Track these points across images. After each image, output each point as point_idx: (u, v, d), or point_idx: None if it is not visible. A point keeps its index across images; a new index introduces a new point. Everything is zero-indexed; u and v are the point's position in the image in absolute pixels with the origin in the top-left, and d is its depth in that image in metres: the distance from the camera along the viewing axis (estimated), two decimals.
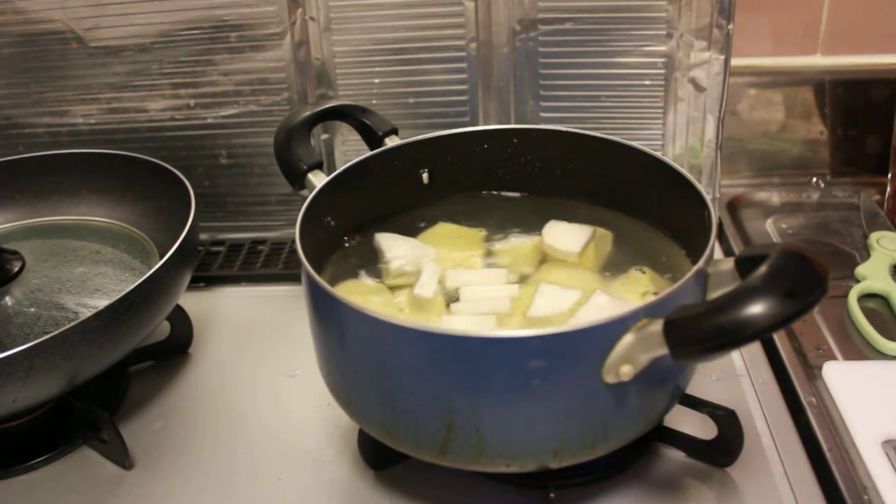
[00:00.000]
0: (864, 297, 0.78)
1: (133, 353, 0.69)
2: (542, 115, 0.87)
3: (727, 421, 0.59)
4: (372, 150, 0.72)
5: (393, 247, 0.67)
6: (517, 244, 0.69)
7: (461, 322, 0.60)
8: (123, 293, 0.62)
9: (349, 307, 0.51)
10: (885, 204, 0.92)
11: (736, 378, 0.71)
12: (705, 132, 0.85)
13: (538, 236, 0.69)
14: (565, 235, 0.68)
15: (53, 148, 0.91)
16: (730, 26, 0.79)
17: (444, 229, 0.71)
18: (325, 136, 0.91)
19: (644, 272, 0.65)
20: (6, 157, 0.87)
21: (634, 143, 0.68)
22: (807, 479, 0.60)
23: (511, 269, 0.66)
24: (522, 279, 0.65)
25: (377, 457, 0.63)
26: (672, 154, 0.86)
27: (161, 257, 0.67)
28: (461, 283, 0.64)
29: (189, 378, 0.76)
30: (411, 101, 0.87)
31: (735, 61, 0.83)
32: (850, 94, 0.96)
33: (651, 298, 0.50)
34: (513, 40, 0.84)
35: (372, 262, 0.68)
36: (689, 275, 0.51)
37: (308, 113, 0.71)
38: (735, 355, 0.73)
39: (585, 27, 0.82)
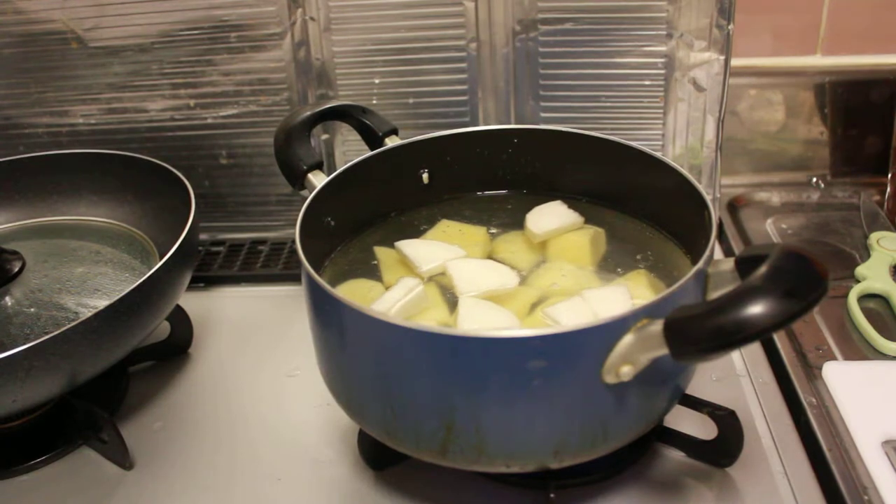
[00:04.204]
0: (864, 298, 0.78)
1: (133, 353, 0.69)
2: (542, 115, 0.87)
3: (727, 421, 0.59)
4: (372, 150, 0.72)
5: (420, 252, 0.67)
6: (518, 242, 0.69)
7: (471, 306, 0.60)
8: (123, 293, 0.62)
9: (349, 307, 0.51)
10: (885, 204, 0.92)
11: (736, 378, 0.71)
12: (705, 132, 0.85)
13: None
14: (543, 218, 0.69)
15: (53, 148, 0.91)
16: (730, 26, 0.79)
17: (447, 227, 0.71)
18: (325, 137, 0.91)
19: (643, 272, 0.65)
20: (6, 157, 0.86)
21: (634, 143, 0.68)
22: (807, 479, 0.60)
23: (513, 267, 0.66)
24: (522, 279, 0.65)
25: (377, 457, 0.63)
26: (672, 154, 0.86)
27: (161, 257, 0.67)
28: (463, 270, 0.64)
29: (189, 378, 0.76)
30: (411, 101, 0.87)
31: (735, 61, 0.83)
32: (850, 95, 0.96)
33: (650, 298, 0.50)
34: (513, 40, 0.84)
35: (371, 262, 0.68)
36: (689, 275, 0.51)
37: (308, 113, 0.71)
38: (735, 355, 0.73)
39: (585, 27, 0.82)
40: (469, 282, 0.63)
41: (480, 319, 0.59)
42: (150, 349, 0.77)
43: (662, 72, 0.83)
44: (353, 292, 0.64)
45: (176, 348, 0.78)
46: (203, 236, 0.96)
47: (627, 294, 0.59)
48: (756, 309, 0.43)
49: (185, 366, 0.78)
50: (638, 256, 0.67)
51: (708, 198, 0.59)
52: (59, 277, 0.74)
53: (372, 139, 0.73)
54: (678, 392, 0.57)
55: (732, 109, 0.97)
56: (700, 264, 0.53)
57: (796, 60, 0.98)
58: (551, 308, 0.59)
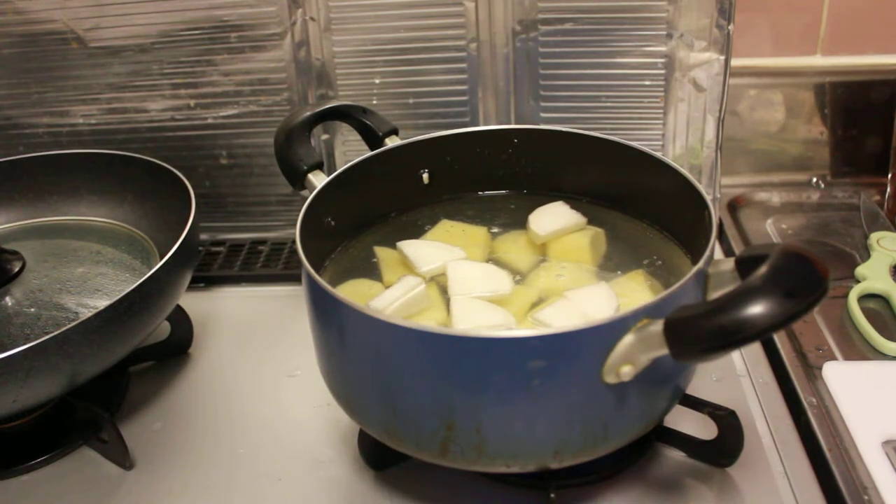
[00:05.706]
0: (865, 298, 0.78)
1: (133, 353, 0.69)
2: (542, 115, 0.87)
3: (727, 421, 0.59)
4: (372, 150, 0.72)
5: (421, 252, 0.67)
6: (519, 243, 0.69)
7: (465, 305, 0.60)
8: (124, 293, 0.62)
9: (349, 307, 0.51)
10: (885, 204, 0.92)
11: (736, 378, 0.71)
12: (705, 132, 0.85)
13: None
14: (545, 218, 0.69)
15: (53, 148, 0.91)
16: (730, 26, 0.79)
17: (449, 227, 0.71)
18: (325, 137, 0.91)
19: (643, 272, 0.65)
20: (6, 157, 0.86)
21: (634, 143, 0.68)
22: (807, 479, 0.60)
23: (512, 269, 0.66)
24: (521, 279, 0.65)
25: (377, 457, 0.63)
26: (672, 154, 0.86)
27: (161, 257, 0.67)
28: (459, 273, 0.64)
29: (189, 378, 0.76)
30: (411, 101, 0.87)
31: (735, 61, 0.83)
32: (850, 95, 0.97)
33: (650, 298, 0.50)
34: (513, 40, 0.84)
35: (372, 261, 0.68)
36: (689, 275, 0.51)
37: (308, 113, 0.71)
38: (735, 355, 0.73)
39: (585, 27, 0.82)
40: (462, 285, 0.63)
41: (475, 318, 0.59)
42: (151, 349, 0.77)
43: (662, 72, 0.83)
44: (353, 292, 0.64)
45: (176, 348, 0.78)
46: (203, 236, 0.96)
47: (611, 291, 0.60)
48: (756, 309, 0.43)
49: (185, 366, 0.78)
50: (640, 258, 0.67)
51: (708, 198, 0.59)
52: (59, 277, 0.74)
53: (372, 139, 0.73)
54: (678, 392, 0.57)
55: (732, 109, 0.97)
56: (700, 264, 0.53)
57: (796, 60, 0.99)
58: (540, 312, 0.59)
